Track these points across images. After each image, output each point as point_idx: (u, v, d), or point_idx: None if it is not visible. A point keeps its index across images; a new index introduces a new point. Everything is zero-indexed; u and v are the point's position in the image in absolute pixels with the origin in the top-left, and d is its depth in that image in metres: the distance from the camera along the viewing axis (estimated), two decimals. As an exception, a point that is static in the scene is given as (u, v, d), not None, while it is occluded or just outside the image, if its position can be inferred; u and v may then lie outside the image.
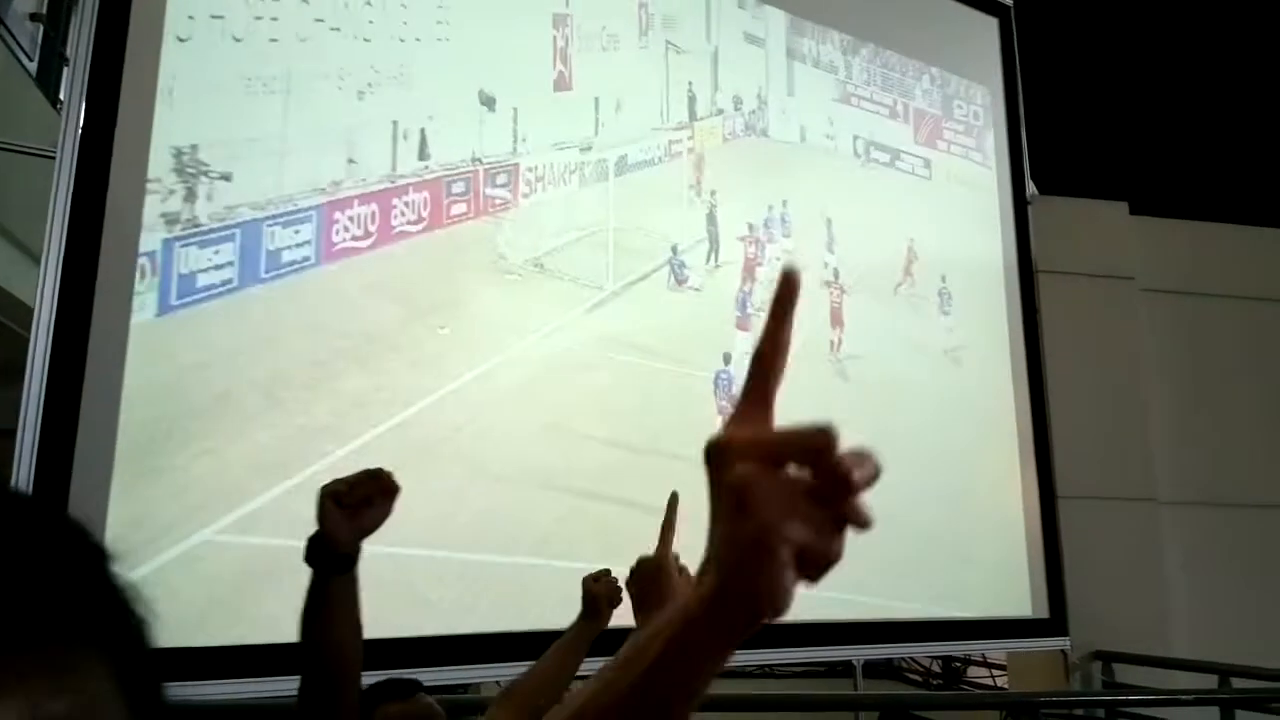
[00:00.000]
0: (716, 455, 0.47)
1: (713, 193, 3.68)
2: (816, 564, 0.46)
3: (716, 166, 3.71)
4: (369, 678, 1.20)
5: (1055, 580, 4.30)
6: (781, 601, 0.45)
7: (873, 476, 0.46)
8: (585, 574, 1.51)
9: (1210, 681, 4.01)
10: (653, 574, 1.15)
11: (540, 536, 2.95)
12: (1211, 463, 5.25)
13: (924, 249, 4.30)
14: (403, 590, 2.74)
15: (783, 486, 0.46)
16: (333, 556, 1.16)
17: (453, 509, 2.86)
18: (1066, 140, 5.22)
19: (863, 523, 0.45)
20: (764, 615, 0.46)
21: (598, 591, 1.49)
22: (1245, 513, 5.22)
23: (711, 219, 3.65)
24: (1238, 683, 3.90)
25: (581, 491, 3.05)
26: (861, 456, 0.46)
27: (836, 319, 3.95)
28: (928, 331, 4.25)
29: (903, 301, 4.20)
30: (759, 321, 3.09)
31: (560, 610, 1.59)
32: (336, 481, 1.18)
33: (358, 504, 1.16)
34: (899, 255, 4.23)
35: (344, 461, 2.73)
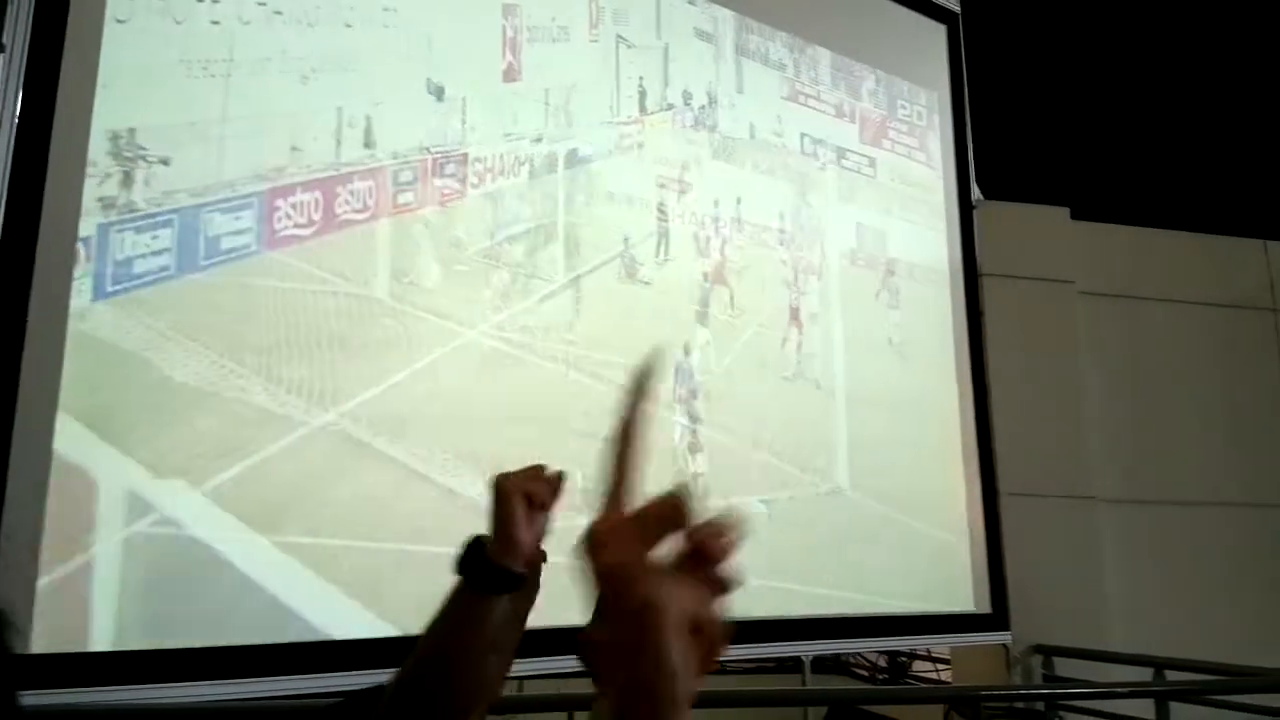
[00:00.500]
0: (586, 550, 0.49)
1: (662, 187, 3.69)
2: (708, 630, 0.46)
3: (667, 161, 3.73)
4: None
5: (997, 576, 4.38)
6: (684, 663, 0.45)
7: (733, 544, 0.47)
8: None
9: (1146, 674, 4.11)
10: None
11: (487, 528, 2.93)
12: (1148, 462, 5.40)
13: (873, 247, 4.36)
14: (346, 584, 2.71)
15: (650, 564, 0.46)
16: (508, 571, 0.97)
17: (395, 501, 2.83)
18: (1011, 146, 5.32)
19: (727, 588, 0.47)
20: (675, 684, 0.46)
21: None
22: (1180, 510, 5.37)
23: (662, 212, 3.66)
24: (1172, 675, 4.00)
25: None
26: (719, 526, 0.47)
27: (795, 318, 3.99)
28: (879, 328, 4.31)
29: (856, 298, 4.25)
30: (716, 314, 3.11)
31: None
32: (520, 475, 1.01)
33: (539, 508, 0.98)
34: (852, 253, 4.28)
35: (285, 452, 2.70)
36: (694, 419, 3.55)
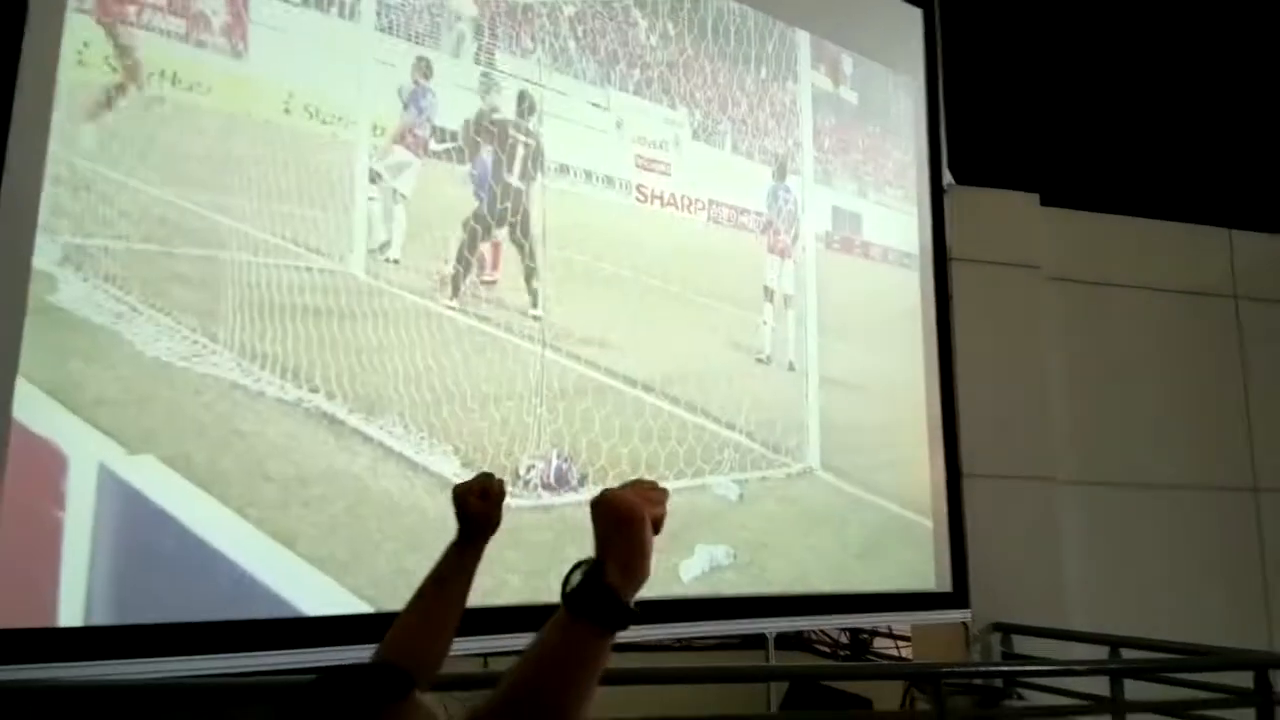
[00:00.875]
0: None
1: (641, 168, 3.70)
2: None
3: (646, 141, 3.73)
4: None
5: (959, 555, 4.46)
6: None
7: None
8: (456, 484, 1.33)
9: (1102, 652, 4.22)
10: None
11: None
12: (1109, 445, 5.51)
13: (848, 230, 4.39)
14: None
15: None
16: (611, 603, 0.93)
17: (370, 478, 2.83)
18: (982, 132, 5.36)
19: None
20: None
21: (477, 510, 1.32)
22: (1139, 492, 5.49)
23: (641, 193, 3.67)
24: (1127, 653, 4.11)
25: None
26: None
27: (769, 300, 4.02)
28: (851, 310, 4.35)
29: (830, 280, 4.29)
30: (692, 296, 3.06)
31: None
32: (641, 494, 1.01)
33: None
34: (828, 236, 4.31)
35: (258, 428, 2.69)
36: (670, 400, 3.58)
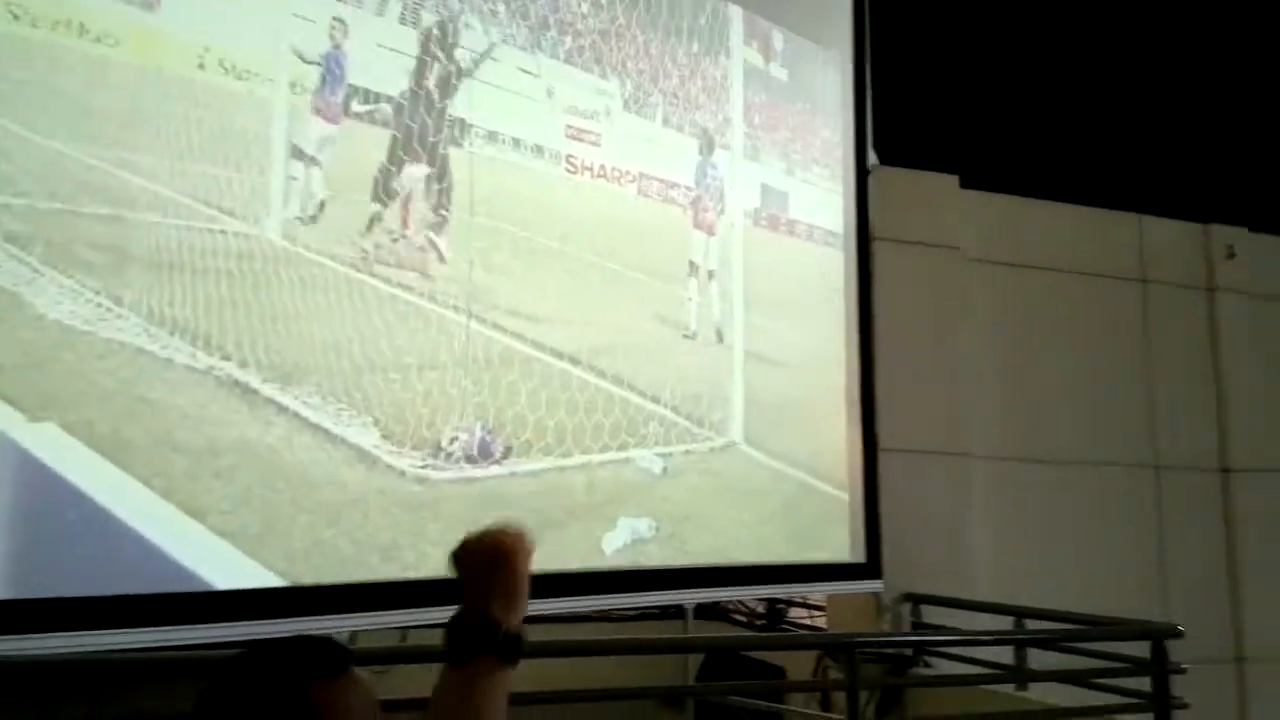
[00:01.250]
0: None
1: (572, 138, 3.66)
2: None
3: (578, 111, 3.69)
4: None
5: (873, 527, 4.57)
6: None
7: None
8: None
9: (1008, 622, 4.38)
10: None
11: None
12: (1020, 421, 5.70)
13: (775, 207, 4.42)
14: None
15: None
16: (511, 636, 1.01)
17: (284, 449, 2.77)
18: (909, 114, 5.44)
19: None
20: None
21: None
22: (1047, 468, 5.70)
23: (571, 164, 3.64)
24: (1032, 624, 4.27)
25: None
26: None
27: (696, 274, 4.03)
28: (777, 287, 4.39)
29: (757, 257, 4.31)
30: (620, 269, 3.04)
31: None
32: (508, 529, 1.04)
33: None
34: (755, 212, 4.33)
35: (167, 395, 2.60)
36: (597, 373, 3.57)
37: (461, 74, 3.35)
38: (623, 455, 3.58)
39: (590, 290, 3.65)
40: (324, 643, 1.05)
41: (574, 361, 3.50)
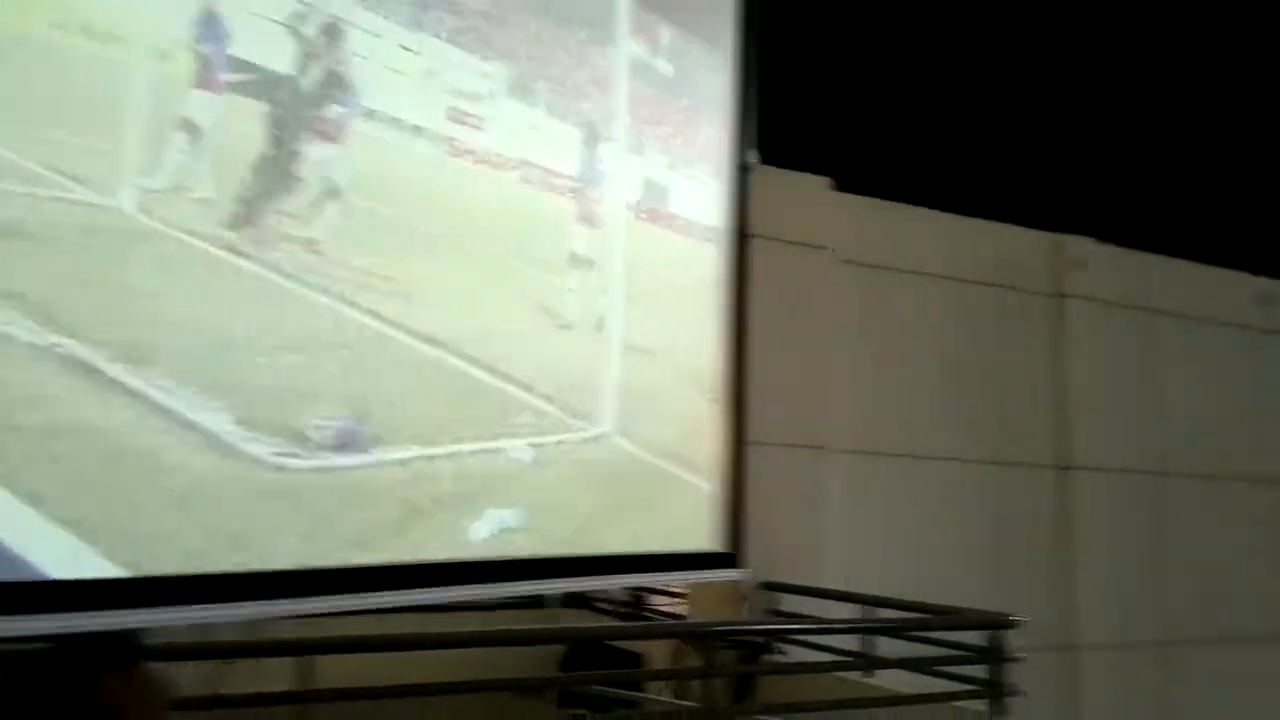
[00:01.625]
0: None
1: (454, 120, 3.58)
2: None
3: (460, 93, 3.61)
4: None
5: (736, 517, 4.69)
6: None
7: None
8: None
9: (860, 610, 4.59)
10: None
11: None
12: (878, 418, 5.95)
13: (656, 200, 4.45)
14: None
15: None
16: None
17: (132, 435, 2.63)
18: (789, 115, 5.56)
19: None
20: None
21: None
22: (900, 462, 5.98)
23: (453, 146, 3.56)
24: (885, 613, 4.48)
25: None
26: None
27: (576, 265, 4.02)
28: (655, 280, 4.43)
29: (637, 249, 4.33)
30: (497, 256, 2.99)
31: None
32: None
33: None
34: (637, 205, 4.34)
35: (4, 375, 2.43)
36: (470, 361, 3.52)
37: (340, 49, 3.23)
38: (494, 445, 3.55)
39: (467, 277, 3.59)
40: (114, 637, 1.10)
41: (447, 349, 3.45)
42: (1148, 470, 7.00)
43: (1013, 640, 3.93)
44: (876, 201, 6.07)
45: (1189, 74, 7.97)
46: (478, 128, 3.66)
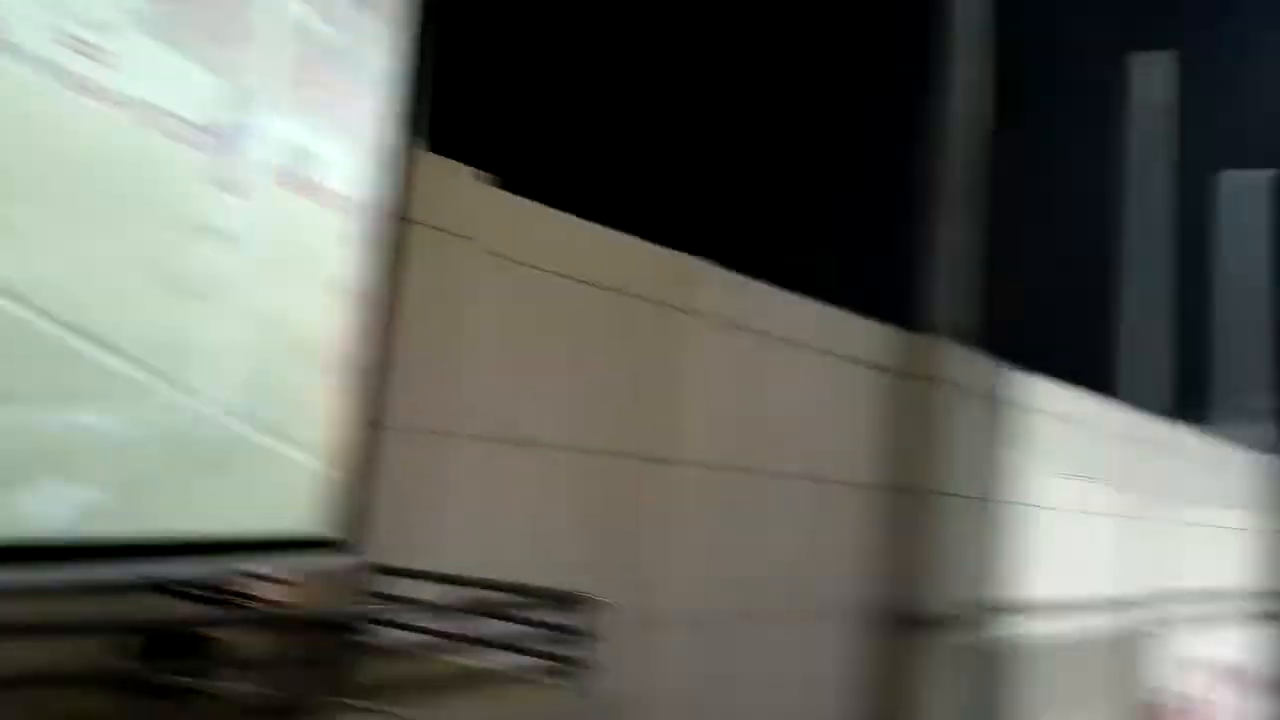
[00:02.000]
0: None
1: (73, 50, 3.17)
2: None
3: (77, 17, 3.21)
4: None
5: (354, 501, 4.63)
6: None
7: None
8: None
9: (466, 593, 4.77)
10: None
11: None
12: (508, 407, 6.23)
13: (306, 169, 4.26)
14: None
15: None
16: None
17: None
18: (458, 104, 5.58)
19: None
20: None
21: None
22: (525, 450, 6.31)
23: (55, 75, 3.15)
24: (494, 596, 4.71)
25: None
26: None
27: (206, 233, 3.71)
28: (297, 252, 4.25)
29: (279, 220, 4.12)
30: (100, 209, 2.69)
31: None
32: None
33: None
34: (282, 171, 4.13)
35: None
36: (48, 318, 3.13)
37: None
38: (68, 414, 3.20)
39: (63, 226, 3.20)
40: None
41: (20, 301, 3.02)
42: (739, 468, 7.99)
43: (605, 620, 4.32)
44: (530, 203, 6.37)
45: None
46: (102, 62, 3.27)
